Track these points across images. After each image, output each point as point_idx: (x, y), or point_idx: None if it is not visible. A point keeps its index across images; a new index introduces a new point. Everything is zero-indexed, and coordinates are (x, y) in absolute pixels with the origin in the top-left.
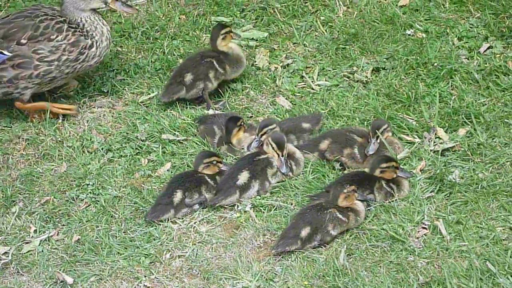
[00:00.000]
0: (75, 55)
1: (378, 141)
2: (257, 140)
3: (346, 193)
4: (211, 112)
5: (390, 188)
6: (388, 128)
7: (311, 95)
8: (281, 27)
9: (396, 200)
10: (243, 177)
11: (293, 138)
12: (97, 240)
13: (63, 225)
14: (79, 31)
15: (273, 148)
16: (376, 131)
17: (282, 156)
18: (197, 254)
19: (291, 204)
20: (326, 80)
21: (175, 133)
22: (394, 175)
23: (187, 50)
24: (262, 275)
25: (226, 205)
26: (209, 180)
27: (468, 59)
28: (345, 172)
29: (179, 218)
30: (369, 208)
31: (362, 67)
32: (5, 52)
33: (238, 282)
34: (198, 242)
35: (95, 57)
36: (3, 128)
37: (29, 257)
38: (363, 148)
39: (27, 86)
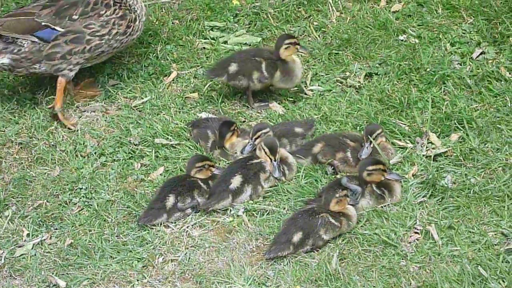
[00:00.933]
0: (123, 28)
1: (372, 145)
2: (250, 144)
3: (338, 198)
4: (204, 116)
5: (381, 191)
6: (382, 133)
7: (304, 100)
8: (274, 32)
9: (388, 205)
10: (236, 181)
11: (286, 143)
12: (89, 244)
13: (56, 229)
14: (123, 6)
15: (265, 152)
16: (369, 136)
17: (275, 160)
18: (189, 258)
19: (284, 208)
20: (319, 85)
21: (168, 138)
22: (381, 178)
23: (181, 54)
24: (255, 279)
25: (219, 209)
26: (201, 184)
27: (461, 65)
28: (338, 176)
29: (171, 222)
30: (361, 212)
31: (355, 72)
32: (58, 28)
33: (231, 286)
34: (191, 246)
35: (138, 31)
36: None
37: (22, 261)
38: (356, 152)
39: (78, 61)
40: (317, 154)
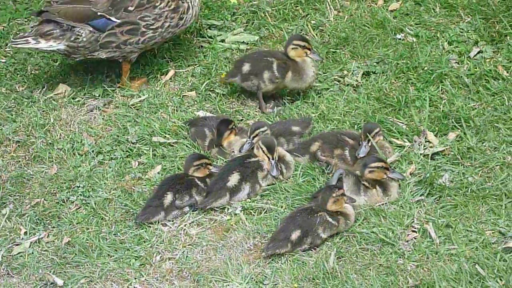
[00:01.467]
0: (176, 21)
1: (369, 144)
2: (249, 143)
3: (335, 198)
4: (201, 114)
5: (371, 184)
6: (379, 132)
7: (301, 98)
8: (272, 30)
9: (385, 203)
10: (234, 179)
11: (283, 141)
12: (87, 242)
13: (53, 227)
14: None
15: (263, 151)
16: (368, 134)
17: (273, 159)
18: (187, 256)
19: (282, 207)
20: (316, 84)
21: (165, 136)
22: (383, 176)
23: (178, 53)
24: (252, 278)
25: (216, 208)
26: (199, 182)
27: (458, 64)
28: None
29: (169, 221)
30: (358, 211)
31: (353, 71)
32: (113, 19)
33: (228, 285)
34: (188, 245)
35: (192, 18)
36: None
37: (19, 259)
38: (354, 150)
39: (133, 50)
40: (315, 151)
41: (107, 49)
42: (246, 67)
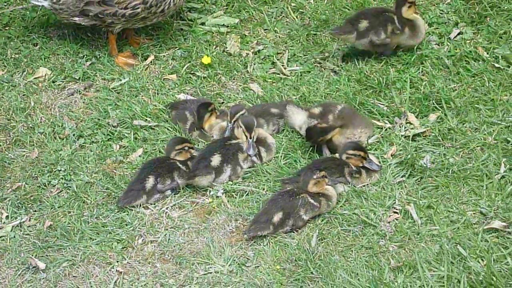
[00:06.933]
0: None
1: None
2: (230, 127)
3: (315, 179)
4: (182, 97)
5: (359, 173)
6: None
7: (282, 81)
8: (252, 13)
9: (367, 185)
10: (215, 160)
11: (263, 122)
12: (69, 226)
13: (35, 211)
14: None
15: (242, 130)
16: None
17: (251, 138)
18: (169, 239)
19: (263, 189)
20: (297, 66)
21: (146, 119)
22: (360, 164)
23: (159, 36)
24: (235, 260)
25: (201, 186)
26: (181, 166)
27: (439, 45)
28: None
29: (151, 204)
30: (340, 192)
31: (333, 53)
32: None
33: (211, 267)
34: (171, 227)
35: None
36: None
37: (1, 243)
38: None
39: (113, 21)
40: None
41: (87, 16)
42: (363, 24)
